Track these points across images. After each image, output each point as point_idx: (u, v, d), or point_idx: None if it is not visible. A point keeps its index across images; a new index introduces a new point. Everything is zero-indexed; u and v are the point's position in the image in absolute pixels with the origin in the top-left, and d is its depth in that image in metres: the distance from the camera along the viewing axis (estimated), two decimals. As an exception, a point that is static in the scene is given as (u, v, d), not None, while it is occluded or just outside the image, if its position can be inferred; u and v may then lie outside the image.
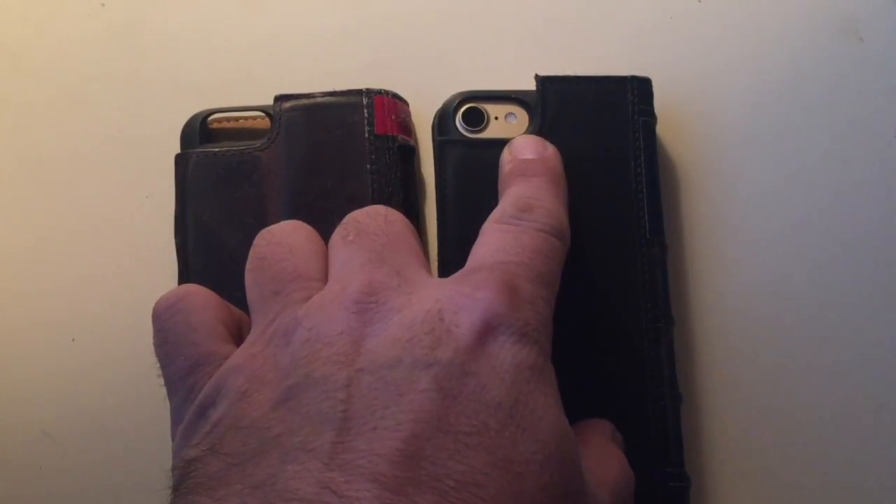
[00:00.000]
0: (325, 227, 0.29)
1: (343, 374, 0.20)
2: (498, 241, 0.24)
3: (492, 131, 0.31)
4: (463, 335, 0.21)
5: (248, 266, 0.25)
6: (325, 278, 0.24)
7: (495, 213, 0.25)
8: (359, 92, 0.30)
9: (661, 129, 0.31)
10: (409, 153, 0.31)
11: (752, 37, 0.34)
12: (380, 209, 0.26)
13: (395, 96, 0.31)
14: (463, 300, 0.21)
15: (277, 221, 0.28)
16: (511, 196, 0.26)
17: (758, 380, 0.31)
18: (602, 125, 0.30)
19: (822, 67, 0.34)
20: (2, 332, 0.32)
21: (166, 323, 0.25)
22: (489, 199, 0.29)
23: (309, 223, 0.28)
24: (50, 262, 0.33)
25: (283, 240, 0.25)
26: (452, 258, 0.29)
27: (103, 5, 0.35)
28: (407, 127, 0.31)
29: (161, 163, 0.32)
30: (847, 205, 0.32)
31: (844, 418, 0.30)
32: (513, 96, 0.31)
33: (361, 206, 0.29)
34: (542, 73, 0.31)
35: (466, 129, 0.31)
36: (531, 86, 0.31)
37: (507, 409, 0.20)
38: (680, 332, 0.30)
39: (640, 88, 0.31)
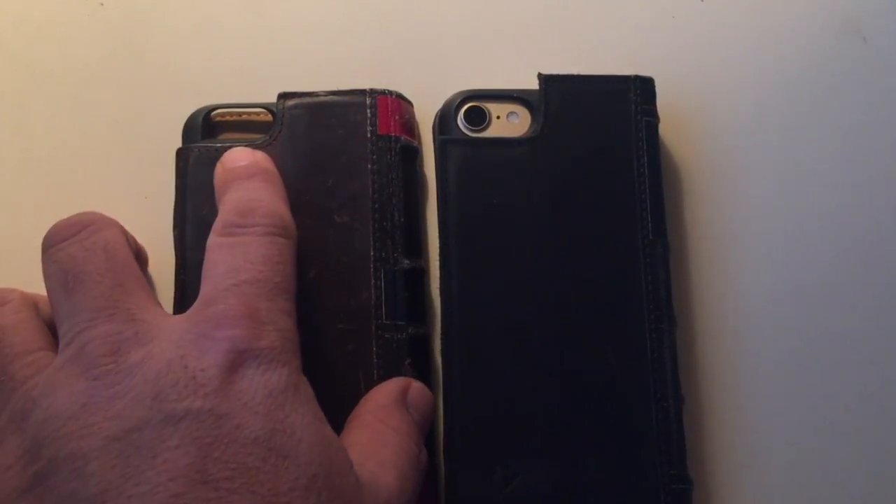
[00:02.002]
0: (324, 225, 0.29)
1: (91, 446, 0.20)
2: (226, 259, 0.23)
3: (494, 130, 0.30)
4: (209, 379, 0.20)
5: None
6: (52, 342, 0.23)
7: (217, 225, 0.25)
8: (362, 92, 0.30)
9: (663, 128, 0.31)
10: (412, 154, 0.31)
11: (755, 37, 0.34)
12: (95, 237, 0.24)
13: (399, 96, 0.31)
14: (204, 343, 0.21)
15: None
16: (228, 203, 0.25)
17: (760, 381, 0.31)
18: (604, 124, 0.30)
19: (825, 67, 0.33)
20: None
21: None
22: (491, 198, 0.29)
23: (309, 222, 0.28)
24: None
25: None
26: (453, 258, 0.29)
27: (102, 5, 0.35)
28: (410, 127, 0.31)
29: (160, 163, 0.32)
30: (851, 204, 0.32)
31: (848, 420, 0.30)
32: (515, 95, 0.31)
33: (363, 205, 0.29)
34: (545, 71, 0.31)
35: (468, 129, 0.30)
36: (533, 85, 0.31)
37: (265, 443, 0.20)
38: (682, 333, 0.30)
39: (642, 88, 0.31)
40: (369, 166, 0.29)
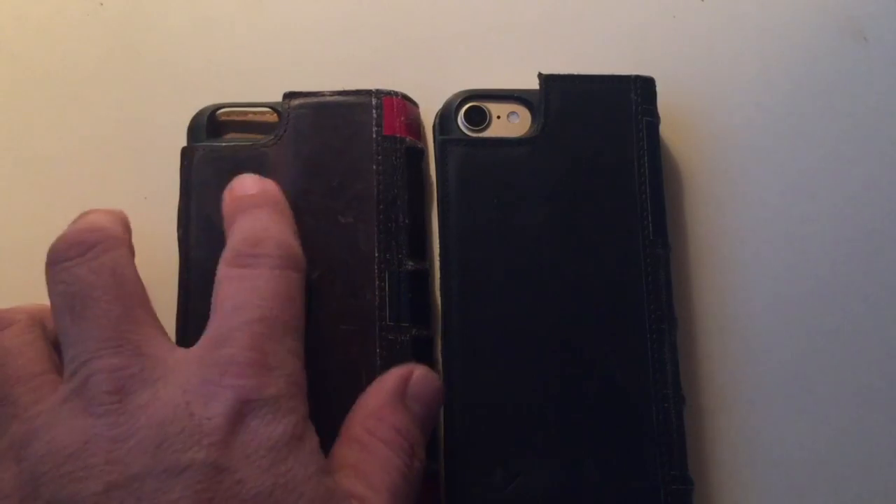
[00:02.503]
0: (328, 226, 0.29)
1: (91, 490, 0.19)
2: (237, 293, 0.23)
3: (494, 130, 0.30)
4: (215, 428, 0.20)
5: None
6: (57, 364, 0.23)
7: (226, 254, 0.24)
8: (368, 92, 0.30)
9: (664, 129, 0.31)
10: (417, 155, 0.31)
11: (756, 36, 0.34)
12: (103, 258, 0.23)
13: (405, 98, 0.31)
14: (210, 389, 0.21)
15: None
16: (238, 233, 0.25)
17: (761, 381, 0.31)
18: (605, 125, 0.30)
19: (826, 67, 0.33)
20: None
21: None
22: (491, 198, 0.29)
23: (313, 222, 0.28)
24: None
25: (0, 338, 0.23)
26: (453, 259, 0.29)
27: (102, 4, 0.35)
28: (416, 129, 0.31)
29: (160, 164, 0.32)
30: (852, 205, 0.32)
31: (849, 420, 0.30)
32: (515, 95, 0.31)
33: (367, 206, 0.29)
34: (545, 71, 0.30)
35: (468, 129, 0.30)
36: (534, 85, 0.30)
37: (266, 498, 0.20)
38: (683, 334, 0.30)
39: (643, 88, 0.31)
40: (374, 167, 0.29)
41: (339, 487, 0.22)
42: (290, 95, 0.30)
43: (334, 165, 0.29)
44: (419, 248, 0.30)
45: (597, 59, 0.33)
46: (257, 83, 0.33)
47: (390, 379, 0.25)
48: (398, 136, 0.30)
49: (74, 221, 0.25)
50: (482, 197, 0.29)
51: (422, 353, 0.29)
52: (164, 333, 0.24)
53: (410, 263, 0.29)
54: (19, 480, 0.20)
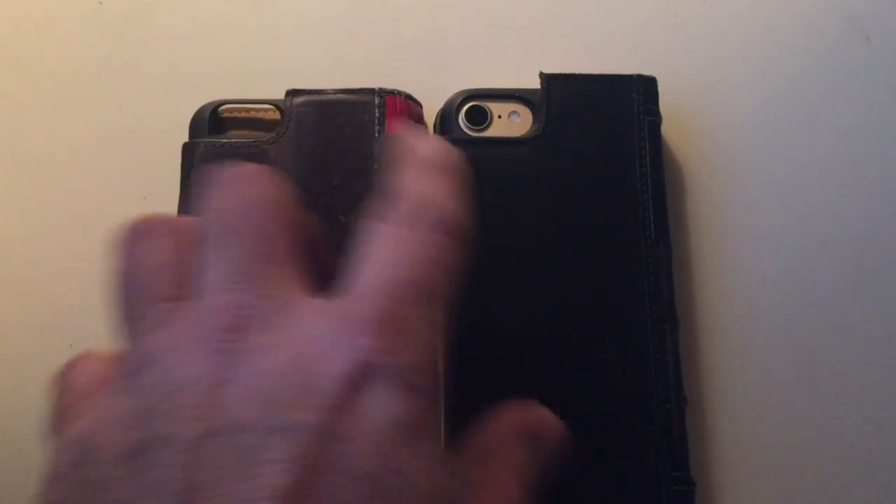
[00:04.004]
0: (328, 225, 0.28)
1: (191, 433, 0.18)
2: (390, 250, 0.21)
3: (495, 130, 0.30)
4: (330, 390, 0.18)
5: (110, 282, 0.23)
6: (190, 287, 0.21)
7: (388, 207, 0.22)
8: (371, 91, 0.30)
9: (666, 128, 0.31)
10: None
11: (757, 36, 0.34)
12: (254, 192, 0.22)
13: (408, 97, 0.31)
14: (336, 345, 0.19)
15: None
16: (410, 191, 0.22)
17: (763, 382, 0.31)
18: (606, 124, 0.30)
19: (827, 66, 0.33)
20: (-2, 334, 0.32)
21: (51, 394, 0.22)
22: (492, 198, 0.29)
23: None
24: (47, 265, 0.32)
25: (142, 248, 0.22)
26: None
27: (101, 3, 0.35)
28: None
29: (159, 163, 0.32)
30: (854, 204, 0.32)
31: (851, 420, 0.30)
32: (516, 95, 0.31)
33: (367, 205, 0.29)
34: (547, 71, 0.30)
35: (469, 128, 0.30)
36: (535, 84, 0.30)
37: (374, 481, 0.18)
38: (685, 334, 0.30)
39: (645, 87, 0.30)
40: (376, 166, 0.29)
41: (456, 488, 0.20)
42: (292, 93, 0.30)
43: (336, 164, 0.29)
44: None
45: (598, 58, 0.33)
46: (258, 83, 0.33)
47: (520, 412, 0.24)
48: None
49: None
50: (483, 196, 0.29)
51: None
52: (307, 276, 0.22)
53: (411, 263, 0.29)
54: (133, 405, 0.19)
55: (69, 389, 0.22)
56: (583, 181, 0.30)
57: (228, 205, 0.22)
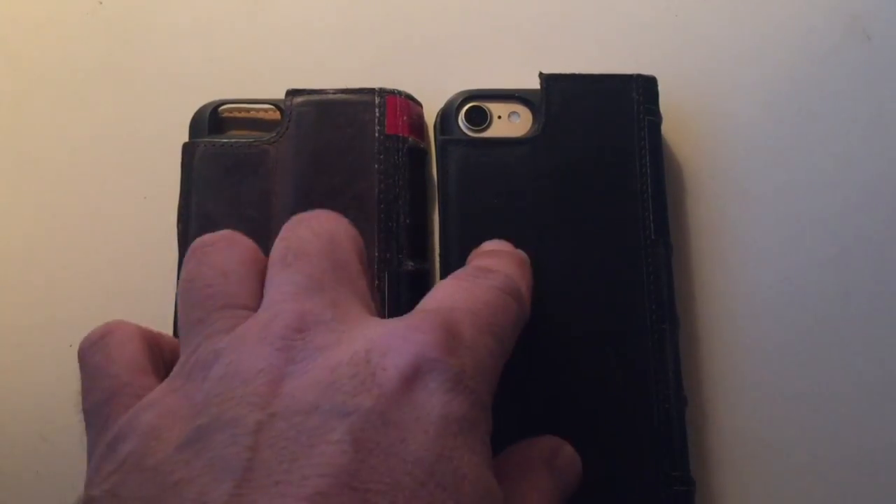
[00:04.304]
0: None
1: (254, 417, 0.19)
2: (450, 289, 0.23)
3: (495, 130, 0.30)
4: (388, 380, 0.19)
5: (178, 288, 0.24)
6: (257, 303, 0.23)
7: (458, 273, 0.24)
8: (371, 91, 0.30)
9: (666, 128, 0.31)
10: (420, 155, 0.31)
11: (758, 35, 0.34)
12: (327, 225, 0.24)
13: (409, 97, 0.31)
14: (394, 341, 0.20)
15: (281, 216, 0.28)
16: (480, 262, 0.25)
17: (763, 382, 0.31)
18: (607, 124, 0.30)
19: (829, 66, 0.33)
20: (-2, 335, 0.32)
21: (88, 360, 0.23)
22: (492, 198, 0.29)
23: None
24: (47, 265, 0.32)
25: (215, 260, 0.23)
26: (454, 259, 0.29)
27: (101, 3, 0.35)
28: (419, 129, 0.31)
29: (159, 163, 0.32)
30: (855, 204, 0.32)
31: (851, 421, 0.30)
32: (516, 95, 0.31)
33: (368, 206, 0.29)
34: (546, 71, 0.30)
35: (469, 129, 0.30)
36: (535, 84, 0.30)
37: (427, 466, 0.18)
38: (685, 334, 0.30)
39: (645, 87, 0.30)
40: (376, 166, 0.29)
41: (500, 491, 0.20)
42: (292, 93, 0.30)
43: (336, 164, 0.29)
44: (420, 247, 0.30)
45: (598, 58, 0.33)
46: (258, 82, 0.33)
47: (545, 442, 0.25)
48: (400, 135, 0.30)
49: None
50: (483, 197, 0.29)
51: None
52: (367, 303, 0.23)
53: (411, 263, 0.29)
54: (195, 398, 0.20)
55: (109, 372, 0.23)
56: (583, 181, 0.30)
57: (302, 235, 0.23)
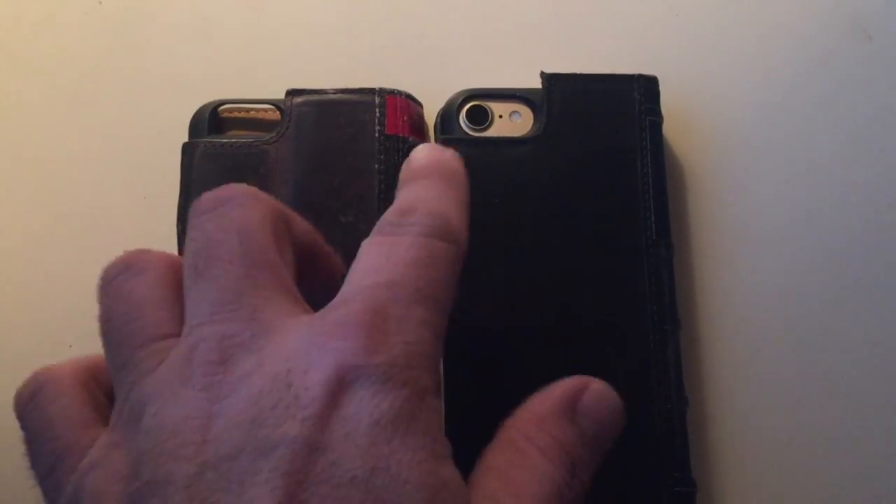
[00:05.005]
0: (329, 225, 0.28)
1: (185, 471, 0.18)
2: (370, 259, 0.21)
3: (496, 130, 0.30)
4: (312, 400, 0.18)
5: (99, 325, 0.22)
6: (180, 325, 0.21)
7: (380, 221, 0.22)
8: (371, 91, 0.30)
9: (667, 128, 0.31)
10: None
11: (759, 36, 0.34)
12: (234, 214, 0.22)
13: (409, 97, 0.31)
14: (314, 354, 0.19)
15: None
16: (394, 204, 0.23)
17: (765, 383, 0.30)
18: (608, 124, 0.30)
19: (830, 66, 0.33)
20: (-2, 335, 0.32)
21: (26, 422, 0.22)
22: (493, 198, 0.29)
23: (313, 221, 0.27)
24: (47, 265, 0.32)
25: (126, 292, 0.22)
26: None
27: (100, 3, 0.35)
28: (419, 128, 0.31)
29: (159, 163, 0.31)
30: (856, 204, 0.32)
31: (853, 422, 0.30)
32: (518, 94, 0.31)
33: (368, 206, 0.29)
34: (548, 70, 0.30)
35: (470, 128, 0.30)
36: (536, 84, 0.30)
37: (363, 483, 0.17)
38: (686, 335, 0.30)
39: (646, 87, 0.30)
40: (376, 166, 0.29)
41: (456, 479, 0.19)
42: (292, 93, 0.30)
43: (336, 164, 0.29)
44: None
45: (599, 57, 0.33)
46: (258, 82, 0.33)
47: (559, 388, 0.22)
48: (401, 135, 0.30)
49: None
50: (484, 197, 0.29)
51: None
52: (290, 297, 0.21)
53: (411, 263, 0.29)
54: (130, 458, 0.19)
55: (50, 434, 0.22)
56: (584, 181, 0.29)
57: (208, 234, 0.21)
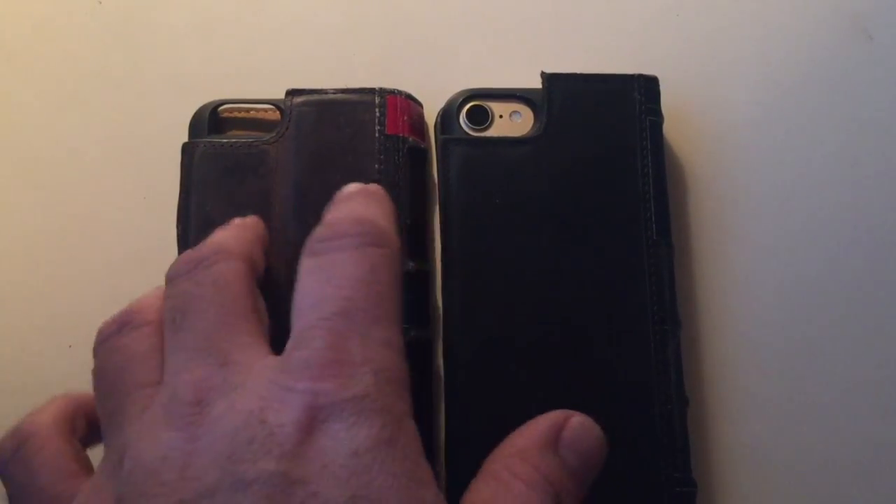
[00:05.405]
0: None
1: None
2: (312, 286, 0.21)
3: (496, 130, 0.30)
4: (287, 437, 0.19)
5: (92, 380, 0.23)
6: (162, 372, 0.22)
7: (304, 247, 0.23)
8: (371, 91, 0.30)
9: (668, 128, 0.31)
10: (420, 155, 0.30)
11: (760, 35, 0.34)
12: (212, 270, 0.23)
13: (409, 97, 0.31)
14: (285, 395, 0.19)
15: (281, 217, 0.28)
16: (323, 222, 0.23)
17: (766, 383, 0.30)
18: (608, 124, 0.30)
19: (831, 65, 0.33)
20: (-2, 336, 0.32)
21: (11, 477, 0.23)
22: (493, 198, 0.29)
23: (312, 222, 0.27)
24: (47, 266, 0.32)
25: (120, 343, 0.23)
26: (455, 259, 0.29)
27: (100, 3, 0.35)
28: (419, 129, 0.31)
29: (158, 164, 0.31)
30: (857, 204, 0.32)
31: (854, 422, 0.30)
32: (518, 94, 0.30)
33: None
34: (548, 70, 0.30)
35: (471, 128, 0.30)
36: (537, 84, 0.30)
37: None
38: (687, 335, 0.30)
39: (647, 87, 0.30)
40: (376, 166, 0.29)
41: (438, 501, 0.20)
42: (292, 93, 0.30)
43: (336, 164, 0.29)
44: (420, 248, 0.30)
45: (600, 57, 0.33)
46: (258, 82, 0.33)
47: (541, 421, 0.23)
48: (401, 135, 0.30)
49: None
50: (484, 197, 0.29)
51: (420, 355, 0.28)
52: (263, 342, 0.22)
53: (411, 264, 0.29)
54: (111, 500, 0.20)
55: (35, 487, 0.22)
56: (584, 181, 0.29)
57: (185, 290, 0.23)
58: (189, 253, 0.24)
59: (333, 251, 0.22)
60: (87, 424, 0.24)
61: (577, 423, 0.23)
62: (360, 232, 0.22)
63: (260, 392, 0.20)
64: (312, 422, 0.19)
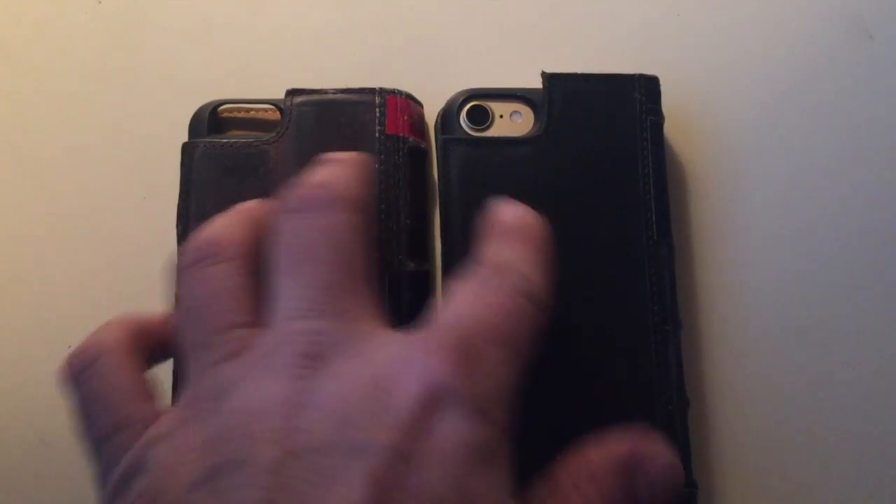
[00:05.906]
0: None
1: (269, 455, 0.18)
2: (464, 298, 0.21)
3: (497, 130, 0.30)
4: (403, 411, 0.18)
5: (175, 310, 0.23)
6: (255, 315, 0.22)
7: (476, 265, 0.23)
8: (372, 91, 0.30)
9: (668, 128, 0.31)
10: (420, 155, 0.30)
11: (761, 35, 0.34)
12: (330, 219, 0.22)
13: (409, 97, 0.31)
14: (408, 368, 0.19)
15: None
16: (485, 256, 0.23)
17: (767, 384, 0.30)
18: (609, 124, 0.30)
19: (832, 65, 0.33)
20: (-3, 336, 0.32)
21: (83, 386, 0.22)
22: (493, 198, 0.29)
23: None
24: (46, 265, 0.32)
25: (207, 275, 0.22)
26: (455, 259, 0.29)
27: (100, 2, 0.35)
28: (419, 129, 0.31)
29: (158, 163, 0.31)
30: (858, 204, 0.32)
31: (854, 423, 0.30)
32: (518, 94, 0.30)
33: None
34: (549, 70, 0.30)
35: (471, 128, 0.30)
36: (537, 84, 0.30)
37: (444, 503, 0.18)
38: (688, 335, 0.30)
39: (647, 87, 0.30)
40: (376, 166, 0.29)
41: None
42: (292, 92, 0.30)
43: None
44: (421, 248, 0.30)
45: (600, 57, 0.33)
46: (258, 82, 0.33)
47: (623, 443, 0.22)
48: (401, 135, 0.30)
49: (314, 172, 0.24)
50: (485, 196, 0.29)
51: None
52: (377, 309, 0.22)
53: (411, 264, 0.29)
54: (207, 434, 0.19)
55: (111, 402, 0.22)
56: (585, 181, 0.29)
57: (301, 233, 0.22)
58: (308, 188, 0.23)
59: (496, 287, 0.22)
60: (152, 346, 0.24)
61: (667, 465, 0.22)
62: (522, 286, 0.22)
63: (382, 360, 0.20)
64: (431, 403, 0.19)
